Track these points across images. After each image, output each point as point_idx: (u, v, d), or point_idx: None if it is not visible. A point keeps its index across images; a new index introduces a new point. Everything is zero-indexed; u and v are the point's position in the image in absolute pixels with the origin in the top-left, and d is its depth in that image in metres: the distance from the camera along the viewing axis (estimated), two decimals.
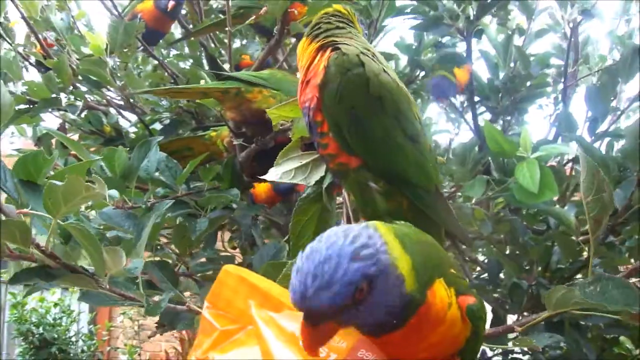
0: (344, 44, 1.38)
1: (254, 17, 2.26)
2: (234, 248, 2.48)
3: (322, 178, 1.49)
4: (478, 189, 2.14)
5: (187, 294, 2.04)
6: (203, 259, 2.15)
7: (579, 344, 2.33)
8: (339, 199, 1.65)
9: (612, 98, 2.52)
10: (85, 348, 8.00)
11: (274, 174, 1.49)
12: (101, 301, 1.59)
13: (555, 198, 2.36)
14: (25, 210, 1.36)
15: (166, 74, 2.60)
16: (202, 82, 2.21)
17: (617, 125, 2.63)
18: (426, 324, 0.97)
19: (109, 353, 8.04)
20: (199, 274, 2.13)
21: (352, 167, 1.35)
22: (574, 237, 2.18)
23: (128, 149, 2.51)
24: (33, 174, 1.46)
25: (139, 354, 6.78)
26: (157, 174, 1.95)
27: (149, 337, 2.50)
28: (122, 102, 2.65)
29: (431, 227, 1.38)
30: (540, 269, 2.50)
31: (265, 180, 1.85)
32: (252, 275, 1.12)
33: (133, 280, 1.61)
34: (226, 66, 2.57)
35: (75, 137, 2.72)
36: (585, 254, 2.40)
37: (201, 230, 1.90)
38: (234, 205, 2.13)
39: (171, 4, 2.54)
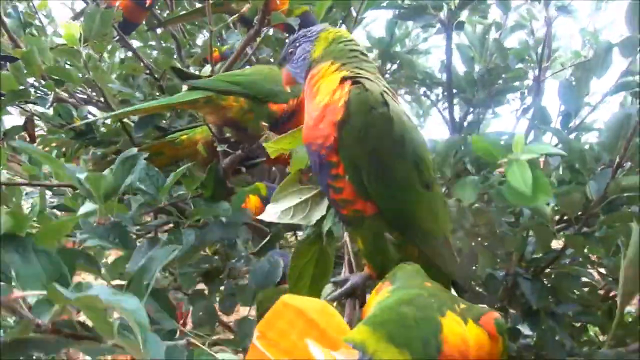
0: (367, 78, 1.31)
1: (241, 11, 2.21)
2: (215, 253, 2.42)
3: (323, 218, 1.44)
4: (470, 192, 2.13)
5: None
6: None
7: (555, 331, 2.39)
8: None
9: (585, 93, 2.57)
10: None
11: (272, 214, 1.44)
12: (98, 353, 1.41)
13: None
14: (19, 294, 1.18)
15: (142, 64, 2.52)
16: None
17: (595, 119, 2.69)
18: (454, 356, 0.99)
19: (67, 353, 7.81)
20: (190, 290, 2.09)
21: (368, 214, 1.29)
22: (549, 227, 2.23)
23: (99, 144, 2.47)
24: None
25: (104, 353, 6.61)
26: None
27: None
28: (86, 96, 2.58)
29: (438, 276, 1.34)
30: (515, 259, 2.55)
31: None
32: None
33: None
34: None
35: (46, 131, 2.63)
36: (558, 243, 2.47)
37: (189, 243, 1.79)
38: (223, 219, 2.05)
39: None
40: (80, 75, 2.22)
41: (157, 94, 2.51)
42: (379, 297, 1.14)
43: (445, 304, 1.05)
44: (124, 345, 1.28)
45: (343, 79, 1.30)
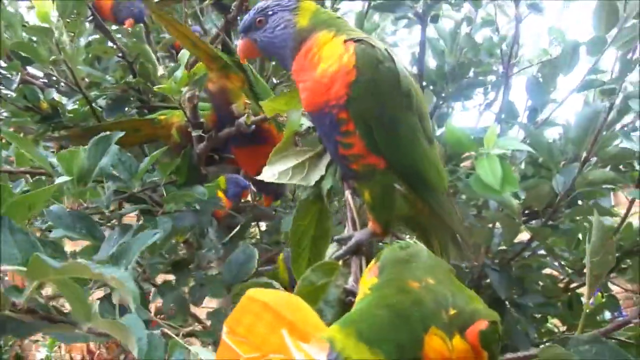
0: (368, 38, 1.32)
1: None
2: (184, 242, 2.38)
3: (322, 178, 1.44)
4: None
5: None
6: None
7: (519, 322, 2.46)
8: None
9: (551, 89, 2.64)
10: (1, 343, 7.48)
11: (270, 174, 1.42)
12: (72, 338, 1.43)
13: None
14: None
15: (114, 46, 2.45)
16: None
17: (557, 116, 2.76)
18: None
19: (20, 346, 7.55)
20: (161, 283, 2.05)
21: (380, 168, 1.30)
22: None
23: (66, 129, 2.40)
24: None
25: (59, 346, 6.42)
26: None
27: None
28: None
29: (442, 230, 1.43)
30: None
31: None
32: (277, 299, 1.09)
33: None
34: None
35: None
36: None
37: (166, 231, 1.77)
38: (197, 207, 2.02)
39: None
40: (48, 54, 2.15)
41: (130, 77, 2.45)
42: (360, 293, 1.14)
43: (429, 317, 1.01)
44: (102, 328, 1.24)
45: (345, 42, 1.30)
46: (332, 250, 1.42)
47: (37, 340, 6.25)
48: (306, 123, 1.56)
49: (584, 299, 1.53)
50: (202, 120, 2.06)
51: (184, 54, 1.93)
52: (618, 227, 2.54)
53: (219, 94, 2.07)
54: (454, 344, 0.99)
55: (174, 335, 1.52)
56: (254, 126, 1.98)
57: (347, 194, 1.46)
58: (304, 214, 1.46)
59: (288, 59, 1.41)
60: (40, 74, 2.61)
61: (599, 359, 1.28)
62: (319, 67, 1.31)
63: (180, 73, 1.84)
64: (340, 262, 1.33)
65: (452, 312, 1.04)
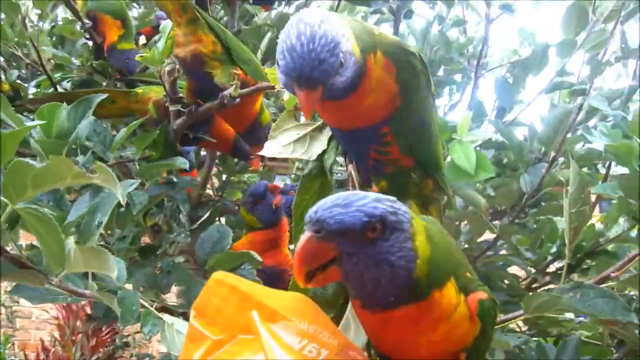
0: (400, 46, 1.31)
1: None
2: (153, 226, 2.32)
3: (324, 152, 1.43)
4: None
5: None
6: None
7: None
8: None
9: (521, 89, 2.67)
10: None
11: (273, 149, 1.41)
12: (40, 297, 1.34)
13: None
14: None
15: (83, 26, 2.38)
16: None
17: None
18: (426, 319, 1.00)
19: None
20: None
21: (409, 166, 1.38)
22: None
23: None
24: None
25: (13, 343, 6.23)
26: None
27: None
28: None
29: (440, 198, 1.53)
30: None
31: None
32: (244, 282, 1.10)
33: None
34: None
35: None
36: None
37: (142, 204, 1.72)
38: (175, 179, 1.98)
39: None
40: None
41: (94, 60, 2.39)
42: None
43: (456, 266, 1.07)
44: (76, 266, 1.17)
45: (384, 62, 1.25)
46: None
47: None
48: None
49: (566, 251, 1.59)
50: (181, 95, 1.99)
51: (167, 25, 1.87)
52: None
53: (191, 60, 1.96)
54: (460, 299, 1.04)
55: (147, 306, 1.48)
56: (238, 99, 1.90)
57: (350, 168, 1.45)
58: (307, 188, 1.45)
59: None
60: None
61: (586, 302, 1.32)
62: (369, 98, 1.27)
63: (162, 43, 1.79)
64: None
65: (467, 274, 1.10)
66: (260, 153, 1.42)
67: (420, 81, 1.32)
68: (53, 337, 5.54)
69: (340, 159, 1.58)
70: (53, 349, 5.45)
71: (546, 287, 2.55)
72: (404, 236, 0.95)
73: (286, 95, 1.51)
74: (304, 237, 0.91)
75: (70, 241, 1.16)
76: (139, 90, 2.22)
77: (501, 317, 1.64)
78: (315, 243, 0.91)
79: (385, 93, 1.27)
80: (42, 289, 1.29)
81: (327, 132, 1.46)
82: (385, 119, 1.29)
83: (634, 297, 2.27)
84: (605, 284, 1.62)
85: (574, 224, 1.52)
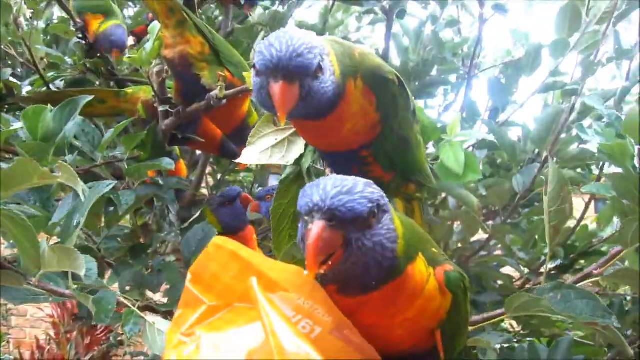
0: (378, 68, 1.31)
1: None
2: (144, 225, 2.32)
3: (301, 156, 1.45)
4: None
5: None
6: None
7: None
8: None
9: (514, 90, 2.67)
10: None
11: (251, 156, 1.41)
12: (21, 297, 1.35)
13: None
14: None
15: (76, 25, 2.38)
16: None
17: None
18: (402, 296, 1.02)
19: None
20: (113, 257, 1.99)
21: (391, 179, 1.44)
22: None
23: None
24: None
25: (8, 341, 6.21)
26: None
27: None
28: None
29: (422, 196, 1.61)
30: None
31: None
32: (244, 250, 1.08)
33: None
34: None
35: None
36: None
37: (128, 204, 1.73)
38: (161, 181, 1.98)
39: None
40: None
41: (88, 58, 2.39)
42: None
43: (423, 242, 1.11)
44: (51, 265, 1.16)
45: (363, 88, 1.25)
46: None
47: None
48: None
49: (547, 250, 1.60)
50: (169, 96, 2.00)
51: (155, 26, 1.87)
52: (574, 229, 2.59)
53: (179, 61, 1.96)
54: (430, 272, 1.07)
55: (129, 305, 1.48)
56: (225, 100, 1.90)
57: (328, 172, 1.47)
58: (285, 193, 1.47)
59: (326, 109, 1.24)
60: None
61: (566, 303, 1.32)
62: (347, 125, 1.31)
63: (150, 44, 1.78)
64: None
65: (434, 250, 1.14)
66: (238, 160, 1.42)
67: (399, 104, 1.35)
68: (48, 336, 5.53)
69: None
70: (48, 347, 5.44)
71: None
72: (389, 217, 0.99)
73: None
74: (317, 227, 0.92)
75: (44, 242, 1.16)
76: (128, 90, 2.23)
77: (484, 316, 1.65)
78: (329, 232, 0.92)
79: (364, 120, 1.29)
80: (22, 289, 1.29)
81: None
82: (364, 145, 1.34)
83: (627, 297, 2.28)
84: (589, 280, 1.63)
85: (553, 222, 1.53)
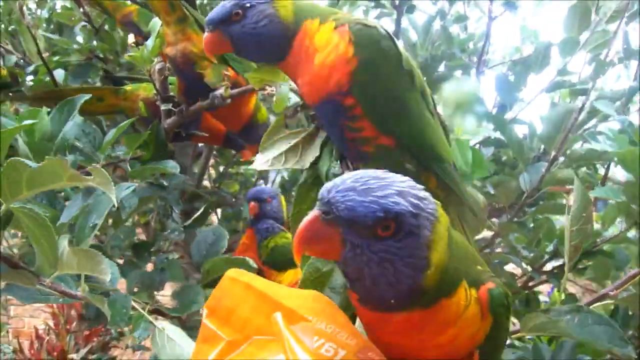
0: (358, 20, 1.28)
1: None
2: (146, 224, 2.29)
3: (318, 159, 1.39)
4: None
5: None
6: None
7: None
8: None
9: (522, 87, 2.66)
10: None
11: (264, 162, 1.37)
12: (31, 297, 1.32)
13: None
14: None
15: (81, 10, 2.34)
16: None
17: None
18: (431, 326, 0.94)
19: None
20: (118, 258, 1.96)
21: (392, 147, 1.29)
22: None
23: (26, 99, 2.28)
24: None
25: (7, 331, 6.19)
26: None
27: None
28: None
29: (456, 203, 1.39)
30: None
31: None
32: (259, 280, 1.06)
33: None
34: None
35: None
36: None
37: (131, 208, 1.70)
38: (165, 183, 1.94)
39: None
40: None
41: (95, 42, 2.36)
42: None
43: (467, 264, 0.99)
44: (68, 266, 1.14)
45: (336, 29, 1.24)
46: None
47: None
48: (293, 98, 1.50)
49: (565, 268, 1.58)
50: (172, 94, 1.96)
51: (156, 23, 1.84)
52: None
53: (181, 59, 1.93)
54: (471, 296, 0.96)
55: (139, 309, 1.46)
56: (229, 100, 1.87)
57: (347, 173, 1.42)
58: (304, 198, 1.40)
59: (273, 55, 1.34)
60: None
61: (583, 327, 1.30)
62: (315, 59, 1.26)
63: (151, 42, 1.75)
64: None
65: (479, 267, 1.02)
66: (252, 167, 1.41)
67: (387, 54, 1.26)
68: (47, 326, 5.51)
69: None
70: (47, 338, 5.42)
71: (542, 284, 2.55)
72: (419, 242, 0.86)
73: (275, 98, 1.48)
74: (311, 214, 0.86)
75: (64, 242, 1.14)
76: (127, 87, 2.19)
77: None
78: (321, 224, 0.86)
79: (336, 53, 1.24)
80: (33, 289, 1.26)
81: (320, 138, 1.42)
82: (344, 88, 1.24)
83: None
84: (604, 302, 1.61)
85: (574, 241, 1.50)
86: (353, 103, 1.24)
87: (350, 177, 0.87)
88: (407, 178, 0.89)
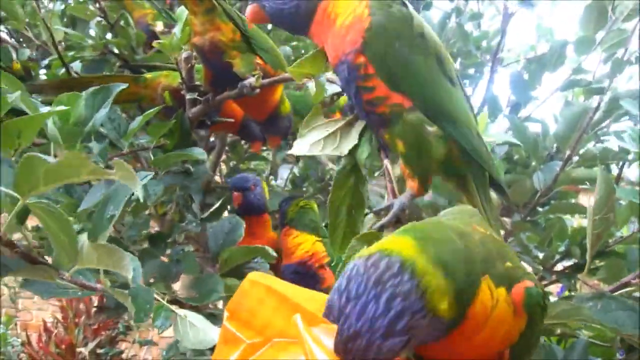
0: None
1: None
2: (164, 214, 2.29)
3: (356, 147, 1.40)
4: None
5: None
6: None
7: None
8: None
9: (537, 86, 2.65)
10: None
11: (303, 148, 1.39)
12: (50, 291, 1.31)
13: None
14: None
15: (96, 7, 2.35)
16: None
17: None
18: (463, 336, 0.91)
19: None
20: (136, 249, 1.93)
21: (406, 107, 1.29)
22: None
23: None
24: None
25: (15, 324, 6.23)
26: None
27: None
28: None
29: (479, 173, 1.39)
30: None
31: None
32: (280, 283, 1.05)
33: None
34: None
35: None
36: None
37: (156, 195, 1.70)
38: (192, 168, 1.94)
39: None
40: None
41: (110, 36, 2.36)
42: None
43: (489, 261, 0.93)
44: (88, 261, 1.12)
45: None
46: (369, 223, 1.40)
47: None
48: (330, 89, 1.53)
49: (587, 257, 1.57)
50: (197, 83, 1.96)
51: (182, 11, 1.83)
52: None
53: (209, 48, 1.91)
54: (498, 295, 0.92)
55: (160, 299, 1.45)
56: (258, 90, 1.87)
57: (386, 162, 1.42)
58: (342, 184, 1.43)
59: (301, 26, 1.42)
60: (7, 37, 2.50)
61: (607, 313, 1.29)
62: (336, 23, 1.33)
63: (179, 30, 1.75)
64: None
65: (507, 264, 0.98)
66: (291, 152, 1.41)
67: (398, 15, 1.29)
68: (55, 319, 5.54)
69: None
70: (55, 331, 5.45)
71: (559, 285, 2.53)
72: (422, 315, 0.80)
73: (312, 89, 1.50)
74: None
75: (83, 237, 1.13)
76: (147, 75, 2.17)
77: None
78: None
79: (353, 16, 1.30)
80: (52, 284, 1.25)
81: (358, 127, 1.43)
82: (356, 45, 1.28)
83: None
84: (626, 290, 1.60)
85: (597, 229, 1.49)
86: (364, 61, 1.28)
87: (344, 317, 0.82)
88: (375, 281, 0.81)
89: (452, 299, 0.83)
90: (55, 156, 1.52)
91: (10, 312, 6.40)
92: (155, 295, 1.46)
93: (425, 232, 0.90)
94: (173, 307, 1.46)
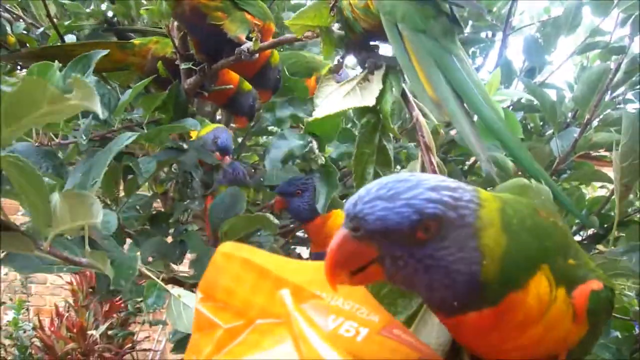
0: None
1: None
2: (164, 193, 2.19)
3: (379, 100, 1.24)
4: None
5: None
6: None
7: None
8: None
9: (552, 50, 2.55)
10: None
11: (327, 108, 1.23)
12: (32, 266, 1.21)
13: None
14: None
15: None
16: None
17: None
18: (506, 324, 0.81)
19: None
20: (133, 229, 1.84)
21: None
22: None
23: None
24: None
25: (27, 309, 6.23)
26: None
27: None
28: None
29: None
30: None
31: None
32: (259, 253, 0.90)
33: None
34: None
35: None
36: None
37: (149, 171, 1.58)
38: (185, 146, 1.81)
39: None
40: None
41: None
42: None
43: (550, 252, 0.83)
44: (63, 224, 1.03)
45: None
46: None
47: (4, 303, 6.07)
48: None
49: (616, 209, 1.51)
50: (192, 52, 1.84)
51: None
52: (608, 198, 2.48)
53: (190, 14, 1.75)
54: (557, 294, 0.81)
55: (152, 276, 1.37)
56: (257, 55, 1.73)
57: (415, 114, 1.25)
58: (367, 140, 1.28)
59: None
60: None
61: None
62: None
63: None
64: None
65: (570, 261, 0.87)
66: (314, 115, 1.25)
67: None
68: (67, 303, 5.54)
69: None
70: (67, 315, 5.46)
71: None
72: (465, 233, 0.74)
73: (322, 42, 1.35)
74: (339, 235, 0.75)
75: (56, 194, 1.02)
76: (135, 41, 2.03)
77: None
78: (352, 243, 0.74)
79: None
80: (33, 257, 1.15)
81: (378, 76, 1.29)
82: None
83: None
84: None
85: (625, 178, 1.39)
86: None
87: (374, 186, 0.75)
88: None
89: (500, 260, 0.76)
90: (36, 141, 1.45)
91: (22, 298, 6.40)
92: (150, 274, 1.37)
93: (509, 199, 0.83)
94: (169, 287, 1.37)
